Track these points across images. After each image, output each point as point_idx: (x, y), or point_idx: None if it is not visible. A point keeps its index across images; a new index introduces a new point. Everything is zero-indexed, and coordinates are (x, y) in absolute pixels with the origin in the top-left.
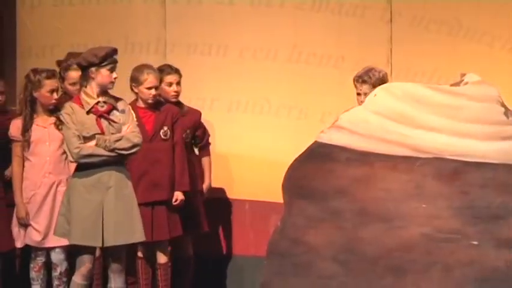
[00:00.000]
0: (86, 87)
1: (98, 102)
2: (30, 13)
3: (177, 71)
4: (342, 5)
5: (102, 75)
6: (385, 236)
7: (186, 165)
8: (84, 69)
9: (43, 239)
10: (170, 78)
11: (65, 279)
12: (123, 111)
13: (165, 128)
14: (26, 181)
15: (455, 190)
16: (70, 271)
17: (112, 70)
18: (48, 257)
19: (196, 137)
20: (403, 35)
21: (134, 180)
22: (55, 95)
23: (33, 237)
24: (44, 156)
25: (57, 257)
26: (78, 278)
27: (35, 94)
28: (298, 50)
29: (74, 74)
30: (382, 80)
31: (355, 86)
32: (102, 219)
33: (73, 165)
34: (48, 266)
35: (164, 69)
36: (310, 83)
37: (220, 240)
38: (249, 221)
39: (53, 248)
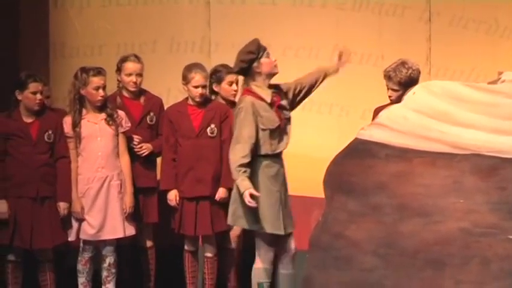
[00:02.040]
0: (254, 80)
1: (273, 92)
2: (79, 14)
3: None
4: (382, 5)
5: (265, 64)
6: (424, 230)
7: None
8: (248, 70)
9: (97, 232)
10: (230, 77)
11: (113, 270)
12: (285, 96)
13: (212, 126)
14: (80, 176)
15: (493, 186)
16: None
17: (268, 55)
18: (96, 251)
19: None
20: (442, 34)
21: (181, 175)
22: (101, 92)
23: (88, 231)
24: (95, 152)
25: (107, 248)
26: (265, 264)
27: (82, 92)
28: (339, 49)
29: (131, 65)
30: (410, 78)
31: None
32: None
33: (123, 161)
34: (95, 260)
35: (224, 69)
36: (351, 81)
37: None
38: None
39: (104, 241)
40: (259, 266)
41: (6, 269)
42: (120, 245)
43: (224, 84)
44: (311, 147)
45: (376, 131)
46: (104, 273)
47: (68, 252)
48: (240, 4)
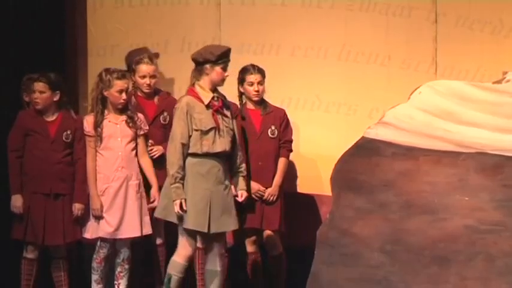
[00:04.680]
0: (199, 80)
1: (213, 97)
2: (92, 15)
3: (259, 71)
4: (389, 5)
5: (216, 72)
6: (430, 227)
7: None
8: (199, 64)
9: (115, 230)
10: (251, 77)
11: (127, 266)
12: (229, 107)
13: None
14: (99, 175)
15: (498, 183)
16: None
17: (225, 69)
18: (111, 249)
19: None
20: (448, 34)
21: None
22: (124, 95)
23: (106, 229)
24: (116, 151)
25: (122, 244)
26: (181, 259)
27: (105, 93)
28: (347, 49)
29: (144, 67)
30: None
31: None
32: (210, 208)
33: (145, 161)
34: (109, 257)
35: (247, 69)
36: (359, 80)
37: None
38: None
39: (120, 239)
40: (175, 259)
41: (21, 265)
42: (132, 241)
43: (245, 85)
44: (319, 146)
45: (382, 130)
46: (118, 269)
47: (80, 249)
48: (250, 5)
